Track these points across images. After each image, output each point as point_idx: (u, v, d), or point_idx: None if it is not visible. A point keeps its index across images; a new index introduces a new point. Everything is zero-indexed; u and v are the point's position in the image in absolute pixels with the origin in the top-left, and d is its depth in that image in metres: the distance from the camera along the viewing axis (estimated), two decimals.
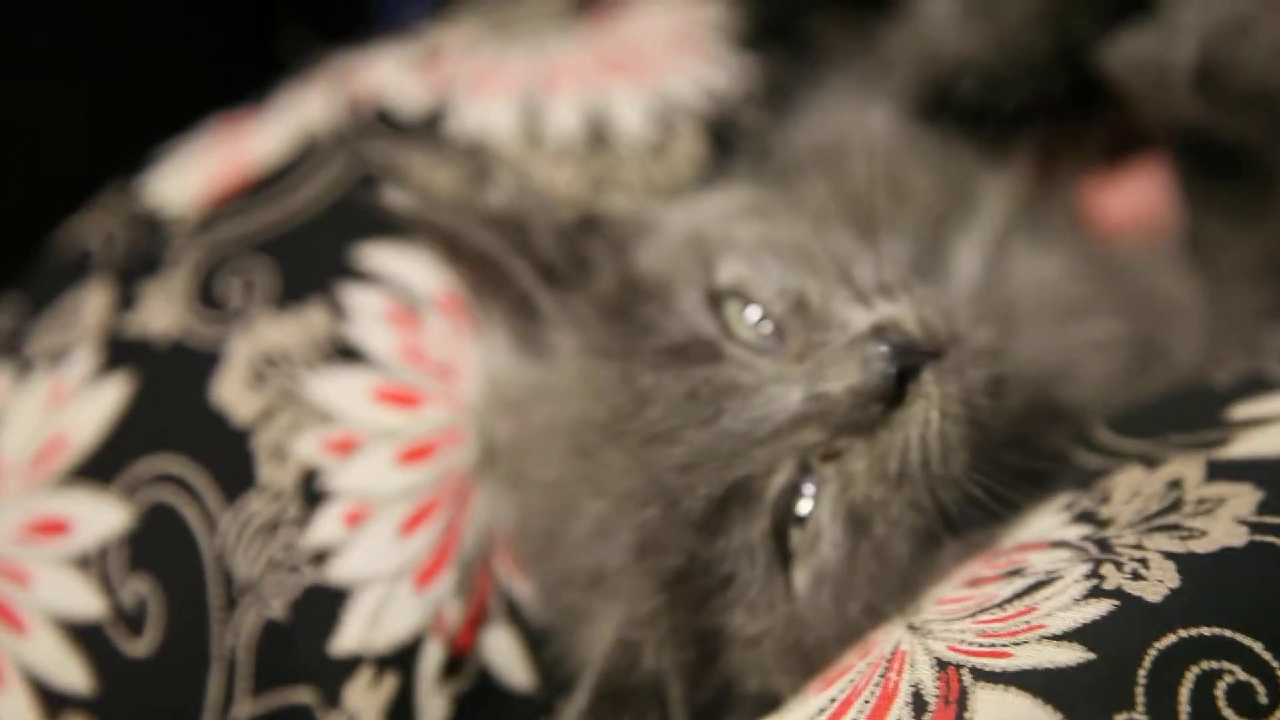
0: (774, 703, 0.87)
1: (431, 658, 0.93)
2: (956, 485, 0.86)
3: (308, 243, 1.03)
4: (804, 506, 0.87)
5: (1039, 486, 0.89)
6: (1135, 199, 1.03)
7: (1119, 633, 0.72)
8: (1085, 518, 0.83)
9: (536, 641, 0.97)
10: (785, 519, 0.87)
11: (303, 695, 0.92)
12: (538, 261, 0.96)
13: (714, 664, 0.90)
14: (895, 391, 0.84)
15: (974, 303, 0.95)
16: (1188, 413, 0.88)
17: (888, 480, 0.85)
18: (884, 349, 0.84)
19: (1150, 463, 0.84)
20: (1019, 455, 0.89)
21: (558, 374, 0.96)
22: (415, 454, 0.97)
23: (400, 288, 1.02)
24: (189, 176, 1.10)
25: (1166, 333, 0.99)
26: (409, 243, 1.03)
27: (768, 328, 0.90)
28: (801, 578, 0.87)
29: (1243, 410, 0.85)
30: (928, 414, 0.85)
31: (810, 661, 0.87)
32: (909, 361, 0.84)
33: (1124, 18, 0.99)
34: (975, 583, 0.83)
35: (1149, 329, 0.99)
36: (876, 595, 0.87)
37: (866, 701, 0.76)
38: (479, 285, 1.00)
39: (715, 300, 0.91)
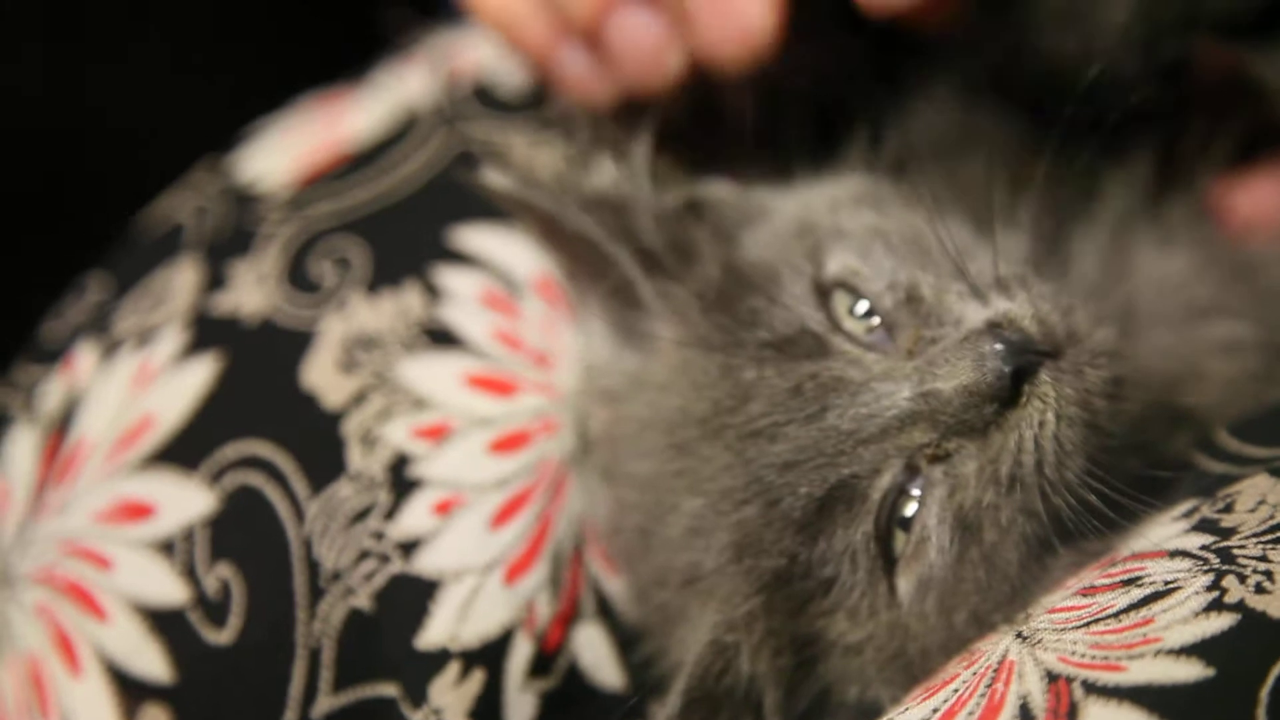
0: (874, 713, 0.84)
1: (521, 654, 0.91)
2: (1072, 491, 0.82)
3: (404, 222, 1.01)
4: (909, 509, 0.84)
5: (1158, 495, 0.85)
6: (1267, 198, 0.99)
7: (1241, 649, 0.69)
8: (1206, 526, 0.79)
9: (628, 640, 0.94)
10: (890, 522, 0.84)
11: (387, 689, 0.90)
12: (639, 248, 0.93)
13: (812, 671, 0.87)
14: (1010, 392, 0.81)
15: (1093, 301, 0.91)
16: None
17: (999, 484, 0.82)
18: (999, 347, 0.81)
19: (1276, 471, 0.80)
20: (1138, 461, 0.85)
21: (656, 365, 0.93)
22: (509, 443, 0.94)
23: (497, 271, 0.99)
24: (283, 153, 1.08)
25: None
26: (507, 225, 1.00)
27: (877, 322, 0.87)
28: (906, 584, 0.84)
29: None
30: (1043, 416, 0.81)
31: (913, 671, 0.85)
32: (1025, 361, 0.81)
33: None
34: (1089, 592, 0.79)
35: (1278, 332, 0.94)
36: (984, 604, 0.83)
37: (971, 713, 0.73)
38: (577, 270, 0.97)
39: (823, 292, 0.88)
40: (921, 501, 0.83)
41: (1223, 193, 0.99)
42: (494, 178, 0.97)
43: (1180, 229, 0.98)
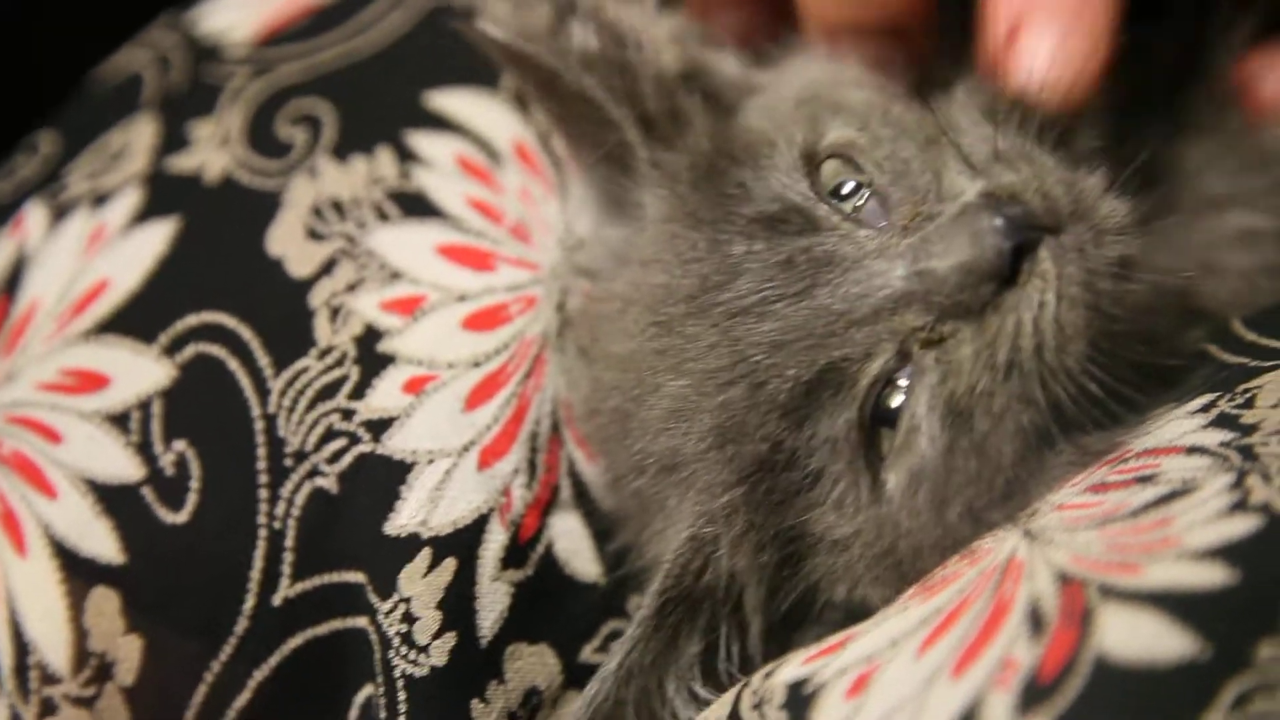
0: (864, 614, 0.81)
1: (495, 542, 0.87)
2: (1072, 378, 0.79)
3: (377, 83, 0.97)
4: (898, 399, 0.80)
5: (1165, 386, 0.82)
6: None
7: (1268, 553, 0.65)
8: (1225, 422, 0.75)
9: (605, 529, 0.91)
10: (876, 410, 0.80)
11: (354, 576, 0.86)
12: (641, 112, 0.89)
13: (797, 568, 0.84)
14: (1009, 270, 0.77)
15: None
16: None
17: (995, 369, 0.78)
18: (998, 222, 0.77)
19: None
20: (1145, 349, 0.81)
21: (642, 240, 0.90)
22: (485, 319, 0.90)
23: (475, 137, 0.95)
24: (248, 6, 1.03)
25: None
26: (484, 89, 0.96)
27: (872, 198, 0.83)
28: (896, 477, 0.81)
29: None
30: (1043, 296, 0.78)
31: (904, 571, 0.82)
32: (1025, 237, 0.77)
33: None
34: (1100, 489, 0.75)
35: None
36: (979, 499, 0.80)
37: (978, 615, 0.69)
38: (570, 132, 0.93)
39: (811, 161, 0.85)
40: (910, 390, 0.80)
41: (1250, 71, 0.95)
42: (493, 29, 0.92)
43: (1196, 115, 0.94)
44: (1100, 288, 0.78)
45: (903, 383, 0.80)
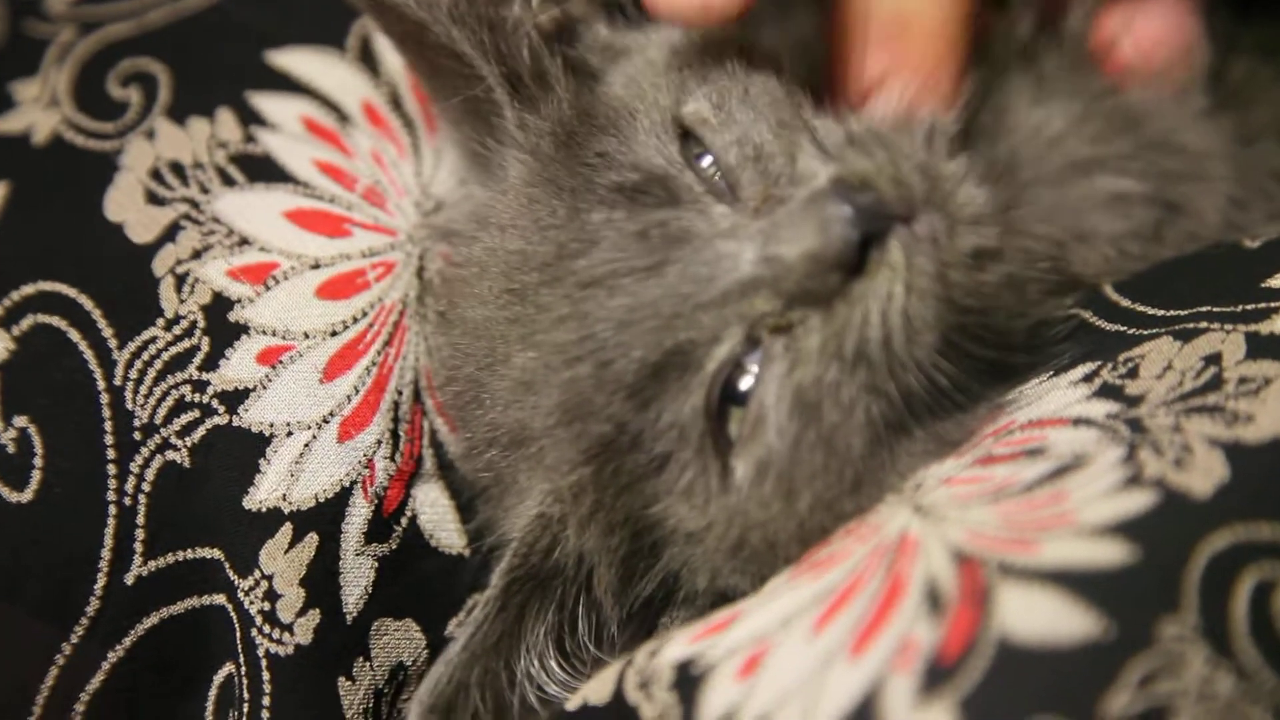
0: (733, 600, 0.80)
1: (358, 515, 0.86)
2: (922, 369, 0.78)
3: (214, 43, 0.94)
4: (746, 383, 0.79)
5: (1025, 370, 0.82)
6: (1152, 33, 0.94)
7: (1165, 529, 0.64)
8: (1110, 393, 0.75)
9: (468, 500, 0.90)
10: (723, 397, 0.79)
11: (211, 553, 0.84)
12: (509, 70, 0.87)
13: (655, 556, 0.83)
14: (856, 260, 0.76)
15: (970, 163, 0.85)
16: (1219, 279, 0.80)
17: (843, 360, 0.77)
18: (846, 210, 0.76)
19: (1181, 334, 0.76)
20: (1010, 325, 0.82)
21: (503, 203, 0.87)
22: (340, 285, 0.88)
23: (321, 99, 0.93)
24: None
25: (1185, 189, 0.91)
26: (329, 48, 0.94)
27: (721, 178, 0.82)
28: (744, 467, 0.80)
29: None
30: (892, 287, 0.76)
31: (764, 562, 0.81)
32: (875, 226, 0.76)
33: None
34: (987, 461, 0.75)
35: (1166, 185, 0.91)
36: (828, 490, 0.79)
37: (872, 596, 0.68)
38: (434, 86, 0.91)
39: (680, 127, 0.83)
40: (759, 378, 0.78)
41: (1105, 36, 0.94)
42: None
43: (1055, 79, 0.93)
44: (953, 279, 0.78)
45: (753, 368, 0.79)
